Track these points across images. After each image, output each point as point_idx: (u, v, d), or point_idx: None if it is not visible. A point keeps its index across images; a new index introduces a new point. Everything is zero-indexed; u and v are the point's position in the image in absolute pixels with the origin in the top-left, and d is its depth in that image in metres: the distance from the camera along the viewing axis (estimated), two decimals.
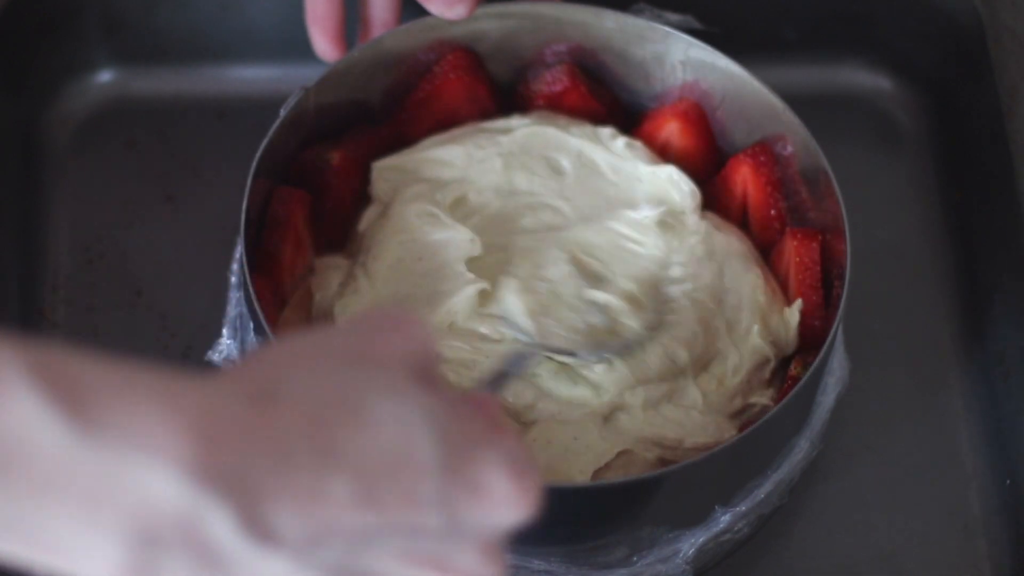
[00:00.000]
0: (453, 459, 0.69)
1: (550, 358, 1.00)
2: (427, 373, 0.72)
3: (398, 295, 1.02)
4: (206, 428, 0.64)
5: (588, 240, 1.04)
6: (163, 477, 0.63)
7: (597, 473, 0.98)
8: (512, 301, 1.01)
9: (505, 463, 0.71)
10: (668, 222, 1.07)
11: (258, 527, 0.65)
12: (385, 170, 1.08)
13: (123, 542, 0.64)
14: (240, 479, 0.64)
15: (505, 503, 0.71)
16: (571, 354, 0.99)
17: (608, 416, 1.00)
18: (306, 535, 0.66)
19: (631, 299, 1.02)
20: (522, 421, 0.99)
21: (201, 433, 0.64)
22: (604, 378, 1.00)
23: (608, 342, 1.01)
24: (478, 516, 0.70)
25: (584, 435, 0.98)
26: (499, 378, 0.87)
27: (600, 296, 1.02)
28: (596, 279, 1.03)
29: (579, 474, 0.97)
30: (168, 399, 0.65)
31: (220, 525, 0.64)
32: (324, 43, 1.09)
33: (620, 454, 0.98)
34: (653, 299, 1.02)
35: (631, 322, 1.01)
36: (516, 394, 0.99)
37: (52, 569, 0.65)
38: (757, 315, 1.03)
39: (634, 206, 1.07)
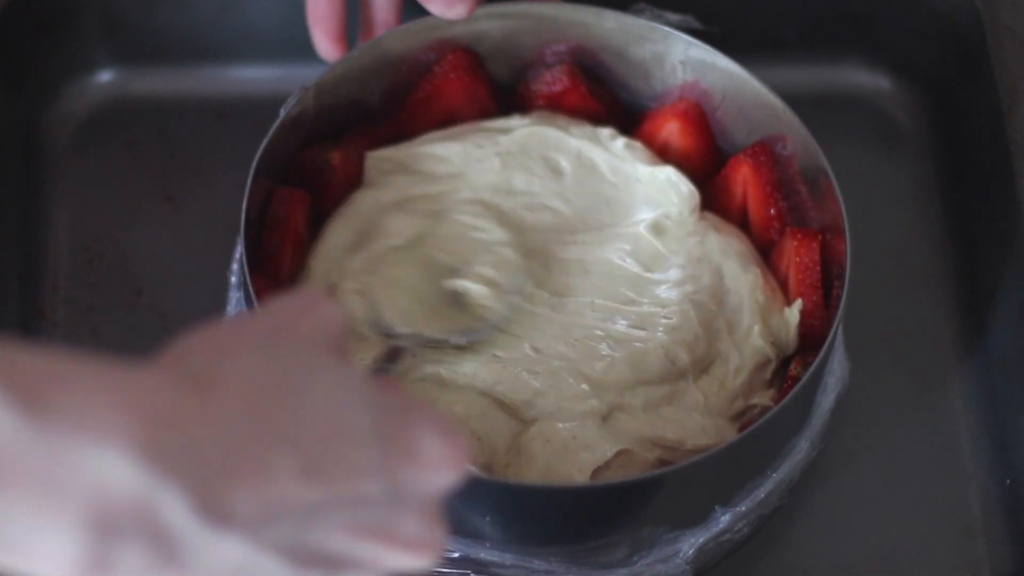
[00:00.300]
0: (387, 426, 0.71)
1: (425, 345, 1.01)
2: (342, 349, 0.73)
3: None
4: (154, 413, 0.65)
5: (437, 234, 1.05)
6: (115, 460, 0.64)
7: (596, 472, 0.98)
8: (379, 301, 1.01)
9: (435, 426, 0.72)
10: (663, 224, 1.07)
11: (212, 508, 0.65)
12: (379, 160, 1.08)
13: (80, 533, 0.64)
14: (190, 461, 0.65)
15: (440, 464, 0.72)
16: (442, 341, 1.00)
17: (607, 416, 1.00)
18: (258, 513, 0.67)
19: (490, 283, 1.02)
20: (520, 418, 0.99)
21: (150, 417, 0.65)
22: (604, 377, 1.00)
23: (474, 325, 1.01)
24: (416, 479, 0.71)
25: (583, 434, 0.98)
26: (383, 368, 0.90)
27: (458, 283, 1.02)
28: (451, 269, 1.04)
29: (578, 473, 0.97)
30: (115, 386, 0.66)
31: (175, 507, 0.65)
32: (326, 43, 1.09)
33: (619, 454, 0.98)
34: (514, 280, 1.02)
35: (494, 304, 1.02)
36: (515, 388, 0.99)
37: (12, 570, 0.65)
38: (758, 315, 1.03)
39: (632, 208, 1.07)
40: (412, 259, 1.04)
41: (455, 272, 1.03)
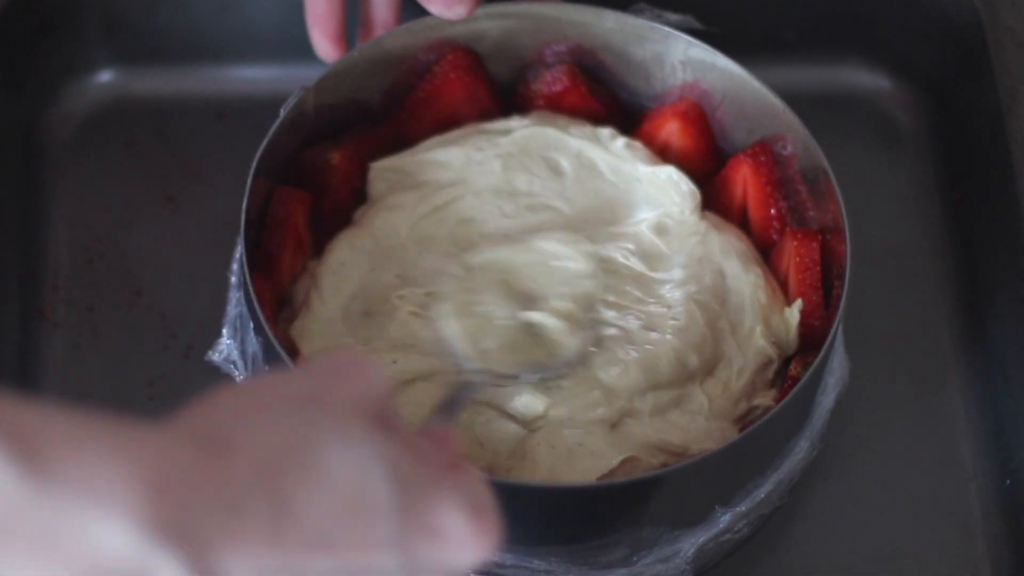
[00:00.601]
0: (409, 500, 0.70)
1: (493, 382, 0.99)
2: (381, 415, 0.72)
3: (346, 311, 1.02)
4: (158, 478, 0.64)
5: (515, 261, 1.04)
6: (115, 529, 0.63)
7: (601, 479, 0.98)
8: (449, 326, 1.00)
9: (462, 503, 0.71)
10: (665, 224, 1.07)
11: (207, 573, 0.65)
12: (383, 170, 1.08)
13: None
14: (191, 530, 0.64)
15: (462, 543, 0.71)
16: (513, 377, 0.99)
17: (616, 422, 0.99)
18: None
19: (567, 317, 1.01)
20: (528, 426, 0.99)
21: (153, 484, 0.64)
22: (618, 383, 1.00)
23: (547, 362, 1.00)
24: (436, 556, 0.71)
25: (589, 440, 0.98)
26: (449, 407, 0.87)
27: (534, 316, 1.00)
28: (529, 299, 1.02)
29: (581, 479, 0.97)
30: (121, 449, 0.65)
31: (170, 574, 0.64)
32: (325, 44, 1.09)
33: (624, 460, 0.98)
34: (589, 316, 1.01)
35: (568, 340, 1.00)
36: (527, 404, 0.99)
37: None
38: (759, 316, 1.03)
39: (633, 208, 1.07)
40: (487, 284, 1.03)
41: (531, 303, 1.02)
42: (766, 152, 1.07)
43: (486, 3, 1.09)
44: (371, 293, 1.04)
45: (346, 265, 1.04)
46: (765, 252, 1.08)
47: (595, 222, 1.07)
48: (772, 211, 1.07)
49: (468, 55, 1.10)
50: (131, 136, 1.19)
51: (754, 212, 1.08)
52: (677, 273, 1.05)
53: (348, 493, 0.68)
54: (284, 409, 0.70)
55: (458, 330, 0.99)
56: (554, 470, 0.97)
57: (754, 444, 0.97)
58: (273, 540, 0.66)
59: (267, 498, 0.66)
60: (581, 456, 0.98)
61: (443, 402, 0.88)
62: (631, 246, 1.06)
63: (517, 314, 1.01)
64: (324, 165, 1.06)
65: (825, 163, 1.04)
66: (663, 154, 1.10)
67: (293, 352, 1.00)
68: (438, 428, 0.81)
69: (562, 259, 1.03)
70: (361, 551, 0.68)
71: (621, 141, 1.09)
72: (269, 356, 0.99)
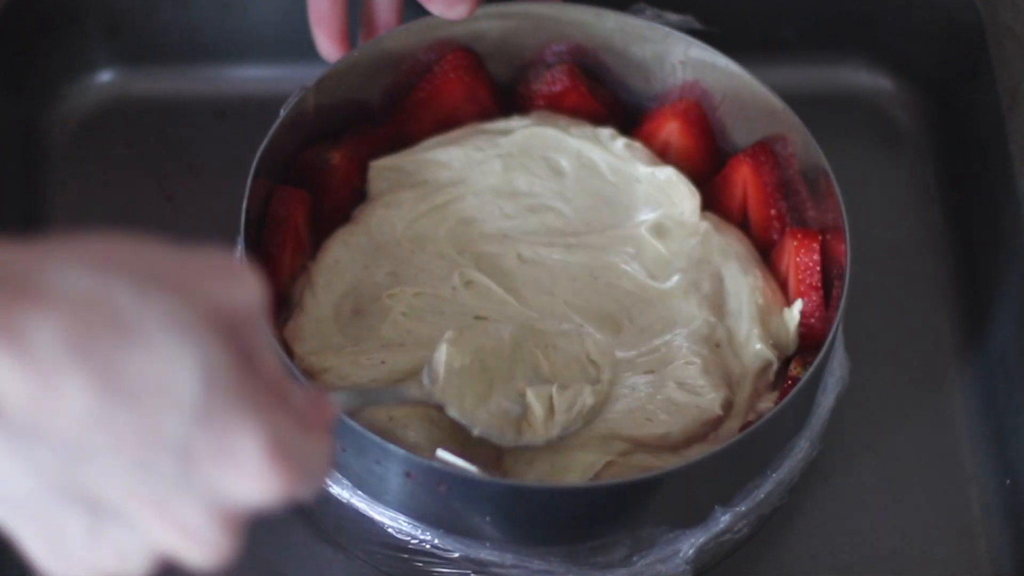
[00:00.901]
0: (211, 411, 0.65)
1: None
2: (233, 330, 0.67)
3: (338, 310, 1.02)
4: None
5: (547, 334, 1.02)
6: None
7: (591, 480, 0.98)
8: (440, 358, 0.97)
9: (269, 439, 0.66)
10: (665, 225, 1.07)
11: None
12: (383, 169, 1.08)
13: None
14: None
15: (250, 475, 0.66)
16: (466, 426, 0.96)
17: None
18: (26, 416, 0.63)
19: (549, 407, 0.98)
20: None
21: None
22: (651, 441, 0.99)
23: (515, 440, 0.98)
24: (217, 478, 0.66)
25: (565, 459, 0.99)
26: (365, 396, 0.85)
27: (531, 395, 0.98)
28: (538, 375, 1.00)
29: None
30: None
31: None
32: (328, 44, 1.09)
33: (608, 464, 0.98)
34: (567, 408, 0.99)
35: (540, 430, 0.98)
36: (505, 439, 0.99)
37: None
38: (756, 320, 1.03)
39: (633, 209, 1.08)
40: (508, 351, 1.00)
41: (539, 380, 1.00)
42: (766, 152, 1.07)
43: (486, 3, 1.09)
44: (363, 291, 1.04)
45: (340, 262, 1.04)
46: (765, 252, 1.08)
47: (595, 223, 1.07)
48: (772, 211, 1.07)
49: (468, 55, 1.10)
50: (131, 136, 1.19)
51: (754, 212, 1.08)
52: (678, 280, 1.05)
53: (151, 375, 0.65)
54: (136, 275, 0.66)
55: (450, 359, 0.97)
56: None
57: (754, 444, 0.97)
58: (54, 380, 0.63)
59: (63, 341, 0.63)
60: (561, 471, 0.98)
61: (360, 391, 0.87)
62: (631, 250, 1.06)
63: (518, 385, 0.99)
64: (324, 165, 1.06)
65: (825, 163, 1.04)
66: (663, 154, 1.10)
67: (291, 353, 1.00)
68: (318, 392, 0.76)
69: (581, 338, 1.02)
70: (139, 439, 0.65)
71: (621, 141, 1.09)
72: None
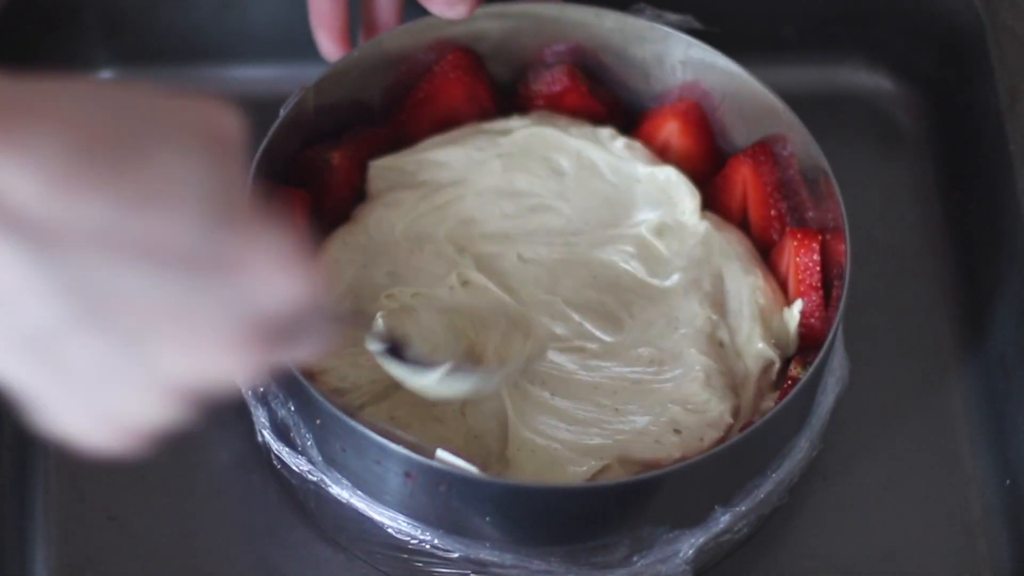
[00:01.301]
0: (222, 228, 0.67)
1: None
2: (225, 155, 0.69)
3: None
4: None
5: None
6: None
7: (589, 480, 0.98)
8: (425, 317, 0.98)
9: (279, 251, 0.68)
10: (665, 225, 1.07)
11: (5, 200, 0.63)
12: (383, 169, 1.08)
13: None
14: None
15: (264, 279, 0.67)
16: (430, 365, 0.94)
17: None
18: (46, 224, 0.64)
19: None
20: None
21: None
22: (659, 459, 0.99)
23: (473, 366, 0.96)
24: (230, 287, 0.67)
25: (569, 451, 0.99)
26: (353, 318, 0.86)
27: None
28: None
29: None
30: None
31: None
32: (329, 44, 1.09)
33: (606, 467, 0.99)
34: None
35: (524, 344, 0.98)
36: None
37: None
38: (757, 319, 1.03)
39: (633, 209, 1.07)
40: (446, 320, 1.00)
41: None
42: (766, 152, 1.07)
43: (486, 3, 1.09)
44: (361, 291, 1.04)
45: (339, 262, 1.04)
46: (765, 252, 1.08)
47: (595, 223, 1.07)
48: (772, 211, 1.07)
49: (468, 55, 1.10)
50: None
51: (754, 212, 1.08)
52: (675, 278, 1.05)
53: (165, 184, 0.66)
54: (131, 100, 0.68)
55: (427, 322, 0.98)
56: (539, 475, 0.98)
57: (754, 444, 0.97)
58: (79, 183, 0.64)
59: (74, 139, 0.65)
60: (563, 464, 0.98)
61: (358, 313, 0.87)
62: (631, 249, 1.06)
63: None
64: (324, 165, 1.06)
65: (825, 163, 1.04)
66: (663, 154, 1.10)
67: None
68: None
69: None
70: (151, 252, 0.65)
71: (621, 141, 1.09)
72: None
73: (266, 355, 0.69)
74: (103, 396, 0.68)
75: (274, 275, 0.68)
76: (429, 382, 0.92)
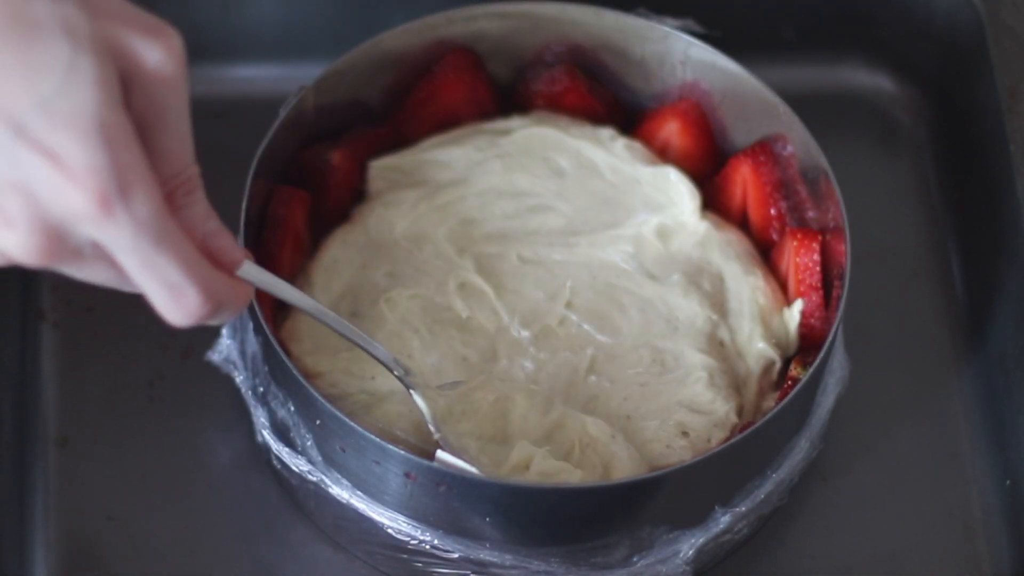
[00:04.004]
0: (60, 107, 0.70)
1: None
2: (139, 90, 0.72)
3: (335, 311, 1.02)
4: None
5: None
6: None
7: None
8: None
9: (102, 168, 0.71)
10: (665, 226, 1.07)
11: None
12: (383, 169, 1.08)
13: None
14: None
15: (67, 178, 0.70)
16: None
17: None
18: None
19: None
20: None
21: None
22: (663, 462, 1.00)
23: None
24: (38, 172, 0.70)
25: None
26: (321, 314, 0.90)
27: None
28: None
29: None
30: None
31: None
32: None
33: None
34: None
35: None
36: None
37: None
38: (758, 319, 1.03)
39: (633, 209, 1.08)
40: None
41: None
42: (766, 152, 1.07)
43: (486, 3, 1.09)
44: (360, 292, 1.04)
45: (339, 262, 1.04)
46: (765, 252, 1.08)
47: (595, 223, 1.07)
48: (772, 211, 1.07)
49: (468, 55, 1.10)
50: None
51: (754, 212, 1.08)
52: (677, 279, 1.05)
53: (23, 56, 0.69)
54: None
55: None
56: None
57: (754, 444, 0.97)
58: None
59: None
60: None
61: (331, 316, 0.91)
62: (631, 249, 1.06)
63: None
64: (324, 165, 1.06)
65: (825, 163, 1.04)
66: (663, 154, 1.10)
67: (289, 352, 1.00)
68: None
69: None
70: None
71: (621, 142, 1.09)
72: (268, 356, 0.99)
73: (44, 244, 0.71)
74: None
75: (74, 180, 0.70)
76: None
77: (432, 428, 0.96)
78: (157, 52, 0.73)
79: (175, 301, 0.76)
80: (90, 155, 0.70)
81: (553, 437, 0.99)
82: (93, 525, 1.04)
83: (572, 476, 0.97)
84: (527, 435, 0.99)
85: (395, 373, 0.96)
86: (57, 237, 0.72)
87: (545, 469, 0.96)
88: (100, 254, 0.74)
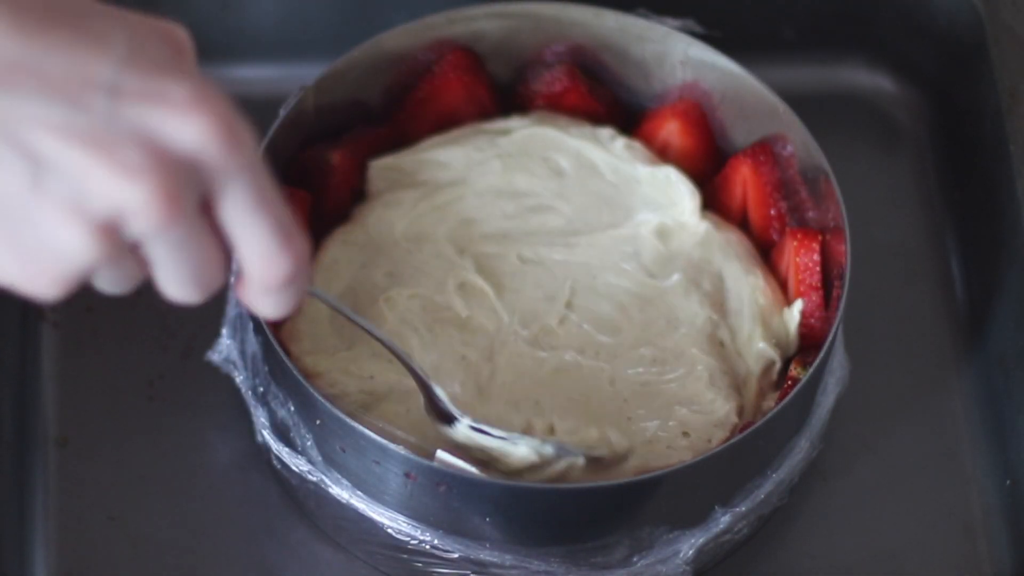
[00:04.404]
0: (140, 62, 0.69)
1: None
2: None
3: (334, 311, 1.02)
4: None
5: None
6: None
7: None
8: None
9: (197, 89, 0.69)
10: (665, 226, 1.07)
11: None
12: (382, 169, 1.08)
13: None
14: None
15: (178, 115, 0.69)
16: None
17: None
18: None
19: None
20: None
21: None
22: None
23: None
24: (146, 116, 0.69)
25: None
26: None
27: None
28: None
29: None
30: None
31: None
32: None
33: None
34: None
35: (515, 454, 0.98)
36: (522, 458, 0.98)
37: None
38: (758, 319, 1.03)
39: (633, 209, 1.07)
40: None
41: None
42: (766, 152, 1.07)
43: (486, 3, 1.09)
44: (360, 292, 1.04)
45: (338, 262, 1.04)
46: (765, 252, 1.08)
47: (595, 223, 1.07)
48: (772, 211, 1.07)
49: (468, 55, 1.10)
50: None
51: (754, 212, 1.08)
52: (677, 279, 1.05)
53: (83, 13, 0.68)
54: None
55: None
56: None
57: (754, 444, 0.97)
58: None
59: None
60: None
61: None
62: (631, 250, 1.06)
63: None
64: (324, 165, 1.06)
65: (825, 163, 1.04)
66: (663, 154, 1.10)
67: (288, 352, 1.00)
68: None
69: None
70: (70, 80, 0.67)
71: (621, 141, 1.09)
72: (268, 356, 0.99)
73: (171, 191, 0.69)
74: (22, 230, 0.69)
75: (188, 111, 0.69)
76: (518, 451, 0.96)
77: (456, 413, 0.96)
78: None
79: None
80: (190, 86, 0.69)
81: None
82: (93, 525, 1.04)
83: (589, 434, 0.98)
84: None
85: (420, 374, 0.96)
86: (183, 178, 0.70)
87: (567, 428, 0.98)
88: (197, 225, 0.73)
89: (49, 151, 0.68)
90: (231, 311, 1.04)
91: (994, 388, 1.10)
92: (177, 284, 0.74)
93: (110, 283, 0.73)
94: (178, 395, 1.08)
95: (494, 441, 0.96)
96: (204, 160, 0.70)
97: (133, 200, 0.68)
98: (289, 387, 0.98)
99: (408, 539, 0.97)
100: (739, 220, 1.09)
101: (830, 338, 0.98)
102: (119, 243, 0.70)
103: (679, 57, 1.10)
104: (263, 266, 0.74)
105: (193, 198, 0.71)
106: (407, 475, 0.94)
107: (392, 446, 0.93)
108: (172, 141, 0.69)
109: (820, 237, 1.04)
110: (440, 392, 0.96)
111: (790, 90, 1.08)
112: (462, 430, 0.96)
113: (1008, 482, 1.07)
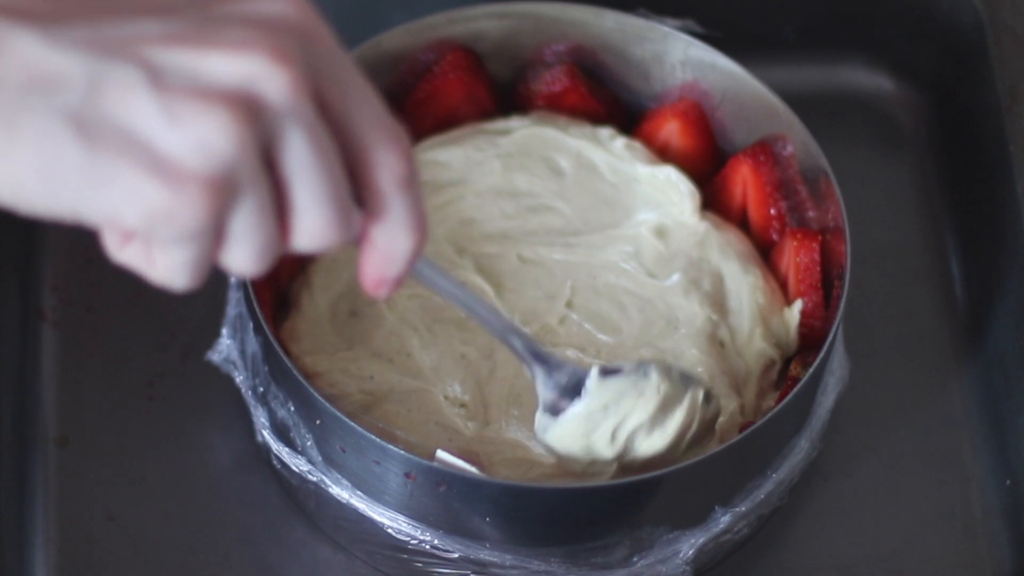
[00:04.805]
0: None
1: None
2: None
3: (334, 310, 1.02)
4: None
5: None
6: None
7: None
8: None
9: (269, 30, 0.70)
10: (665, 226, 1.07)
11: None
12: None
13: None
14: None
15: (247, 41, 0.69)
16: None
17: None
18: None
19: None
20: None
21: None
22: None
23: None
24: (242, 4, 0.70)
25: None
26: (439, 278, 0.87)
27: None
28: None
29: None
30: None
31: None
32: None
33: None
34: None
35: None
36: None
37: None
38: (758, 319, 1.03)
39: (633, 209, 1.08)
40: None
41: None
42: (766, 152, 1.07)
43: (486, 3, 1.09)
44: (360, 291, 1.03)
45: (338, 262, 1.04)
46: (765, 252, 1.08)
47: (595, 223, 1.07)
48: (772, 211, 1.07)
49: (468, 55, 1.10)
50: None
51: (754, 212, 1.08)
52: (677, 279, 1.05)
53: None
54: None
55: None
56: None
57: (754, 444, 0.97)
58: None
59: None
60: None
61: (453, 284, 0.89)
62: (631, 249, 1.06)
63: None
64: None
65: (825, 163, 1.04)
66: (663, 154, 1.10)
67: (288, 352, 1.00)
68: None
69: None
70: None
71: (621, 141, 1.09)
72: (268, 356, 0.99)
73: (288, 54, 0.70)
74: (159, 140, 0.68)
75: (254, 48, 0.69)
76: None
77: (587, 376, 0.95)
78: None
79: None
80: (251, 29, 0.70)
81: None
82: (93, 525, 1.04)
83: None
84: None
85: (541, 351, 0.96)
86: (294, 44, 0.72)
87: None
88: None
89: (162, 56, 0.67)
90: (231, 311, 1.04)
91: (994, 388, 1.10)
92: (321, 207, 0.74)
93: (248, 233, 0.73)
94: (178, 395, 1.08)
95: (626, 381, 0.95)
96: (307, 32, 0.73)
97: (257, 66, 0.69)
98: (289, 387, 0.98)
99: (408, 539, 0.97)
100: (739, 220, 1.09)
101: (830, 338, 0.98)
102: (257, 124, 0.69)
103: (679, 57, 1.10)
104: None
105: (309, 72, 0.72)
106: (407, 475, 0.94)
107: (392, 446, 0.93)
108: (270, 15, 0.71)
109: (820, 237, 1.04)
110: (559, 358, 0.95)
111: (790, 90, 1.08)
112: (592, 387, 0.95)
113: (1008, 482, 1.07)
